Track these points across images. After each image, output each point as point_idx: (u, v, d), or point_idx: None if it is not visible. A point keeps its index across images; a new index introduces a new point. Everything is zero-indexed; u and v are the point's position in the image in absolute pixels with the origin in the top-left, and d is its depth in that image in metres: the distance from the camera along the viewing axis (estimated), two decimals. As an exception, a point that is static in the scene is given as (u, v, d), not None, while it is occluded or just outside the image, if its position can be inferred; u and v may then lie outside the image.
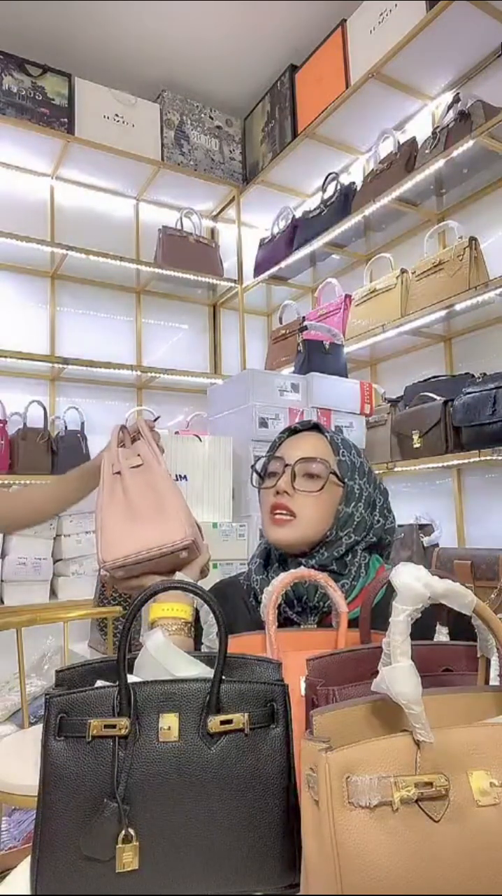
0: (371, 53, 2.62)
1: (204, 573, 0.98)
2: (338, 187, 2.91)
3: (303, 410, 2.26)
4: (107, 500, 0.96)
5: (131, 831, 0.60)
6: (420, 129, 2.79)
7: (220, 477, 2.10)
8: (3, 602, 2.72)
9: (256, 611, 1.00)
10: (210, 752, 0.63)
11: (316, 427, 1.09)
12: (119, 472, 0.98)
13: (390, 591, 0.62)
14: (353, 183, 2.92)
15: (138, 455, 1.00)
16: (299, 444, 1.05)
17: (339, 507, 1.01)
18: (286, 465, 1.03)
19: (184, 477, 2.03)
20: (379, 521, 1.04)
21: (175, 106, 3.40)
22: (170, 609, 0.87)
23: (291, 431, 1.10)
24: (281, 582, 0.85)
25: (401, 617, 0.58)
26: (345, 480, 1.02)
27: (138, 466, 0.99)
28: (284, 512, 1.00)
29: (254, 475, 1.09)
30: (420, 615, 0.59)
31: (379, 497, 1.06)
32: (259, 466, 1.09)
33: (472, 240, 2.26)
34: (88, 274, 3.30)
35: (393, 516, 1.08)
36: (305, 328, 2.57)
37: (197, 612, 0.91)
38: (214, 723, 0.63)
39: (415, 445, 2.32)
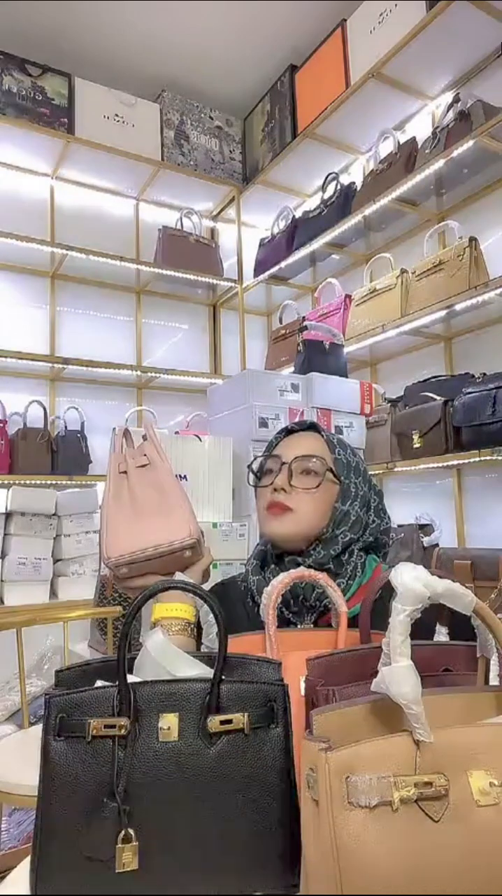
0: (371, 53, 2.62)
1: (205, 576, 0.98)
2: (338, 187, 2.91)
3: (303, 410, 2.26)
4: (113, 498, 0.97)
5: (131, 831, 0.60)
6: (420, 129, 2.79)
7: (220, 477, 2.10)
8: (3, 602, 2.72)
9: (254, 612, 1.00)
10: (210, 752, 0.63)
11: (312, 427, 1.10)
12: (125, 472, 0.99)
13: (389, 591, 0.62)
14: (353, 183, 2.92)
15: (144, 455, 1.00)
16: (295, 443, 1.06)
17: (336, 505, 1.01)
18: (283, 464, 1.03)
19: (185, 477, 2.02)
20: (374, 521, 1.05)
21: (175, 106, 3.40)
22: (173, 609, 0.87)
23: (287, 431, 1.10)
24: (281, 582, 0.85)
25: (401, 617, 0.58)
26: (342, 478, 1.03)
27: (144, 466, 1.00)
28: (281, 507, 1.00)
29: (251, 474, 1.09)
30: (420, 615, 0.59)
31: (373, 497, 1.06)
32: (255, 466, 1.09)
33: (472, 240, 2.26)
34: (88, 274, 3.30)
35: (389, 517, 1.08)
36: (305, 328, 2.57)
37: (196, 612, 0.91)
38: (214, 723, 0.63)
39: (415, 445, 2.32)
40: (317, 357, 2.44)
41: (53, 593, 2.86)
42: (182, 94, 3.43)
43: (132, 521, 0.94)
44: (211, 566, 1.00)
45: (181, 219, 3.36)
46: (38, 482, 2.85)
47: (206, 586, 0.94)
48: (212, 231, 3.78)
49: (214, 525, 2.02)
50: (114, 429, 2.03)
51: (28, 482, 2.82)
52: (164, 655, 0.71)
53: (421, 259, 2.48)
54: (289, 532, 1.00)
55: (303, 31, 3.05)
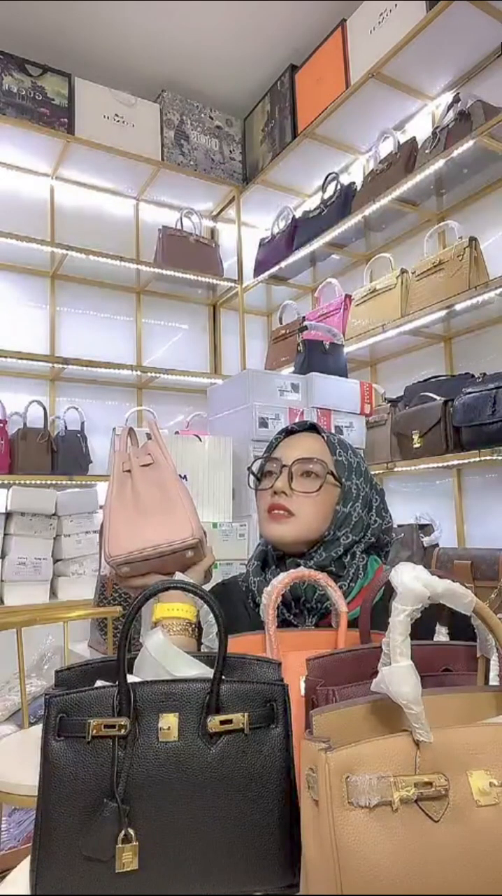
0: (371, 53, 2.62)
1: (207, 576, 0.98)
2: (338, 187, 2.91)
3: (302, 410, 2.26)
4: (116, 496, 0.96)
5: (131, 831, 0.60)
6: (420, 129, 2.79)
7: (220, 477, 2.10)
8: (3, 602, 2.72)
9: (255, 612, 1.00)
10: (210, 752, 0.63)
11: (312, 427, 1.09)
12: (129, 471, 0.99)
13: (389, 591, 0.62)
14: (353, 183, 2.91)
15: (148, 454, 1.00)
16: (296, 445, 1.05)
17: (337, 507, 1.01)
18: (283, 466, 1.02)
19: (185, 477, 2.02)
20: (376, 522, 1.04)
21: (175, 106, 3.40)
22: (174, 609, 0.86)
23: (287, 432, 1.09)
24: (281, 582, 0.85)
25: (401, 617, 0.58)
26: (343, 480, 1.02)
27: (148, 465, 0.99)
28: (282, 511, 1.00)
29: (251, 477, 1.09)
30: (420, 615, 0.59)
31: (375, 497, 1.06)
32: (255, 468, 1.09)
33: (472, 240, 2.25)
34: (88, 274, 3.30)
35: (390, 516, 1.07)
36: (305, 328, 2.57)
37: (197, 612, 0.91)
38: (214, 723, 0.63)
39: (415, 445, 2.32)
40: (317, 357, 2.44)
41: (53, 593, 2.86)
42: (182, 94, 3.43)
43: (134, 520, 0.93)
44: (212, 567, 1.00)
45: (181, 219, 3.36)
46: (38, 482, 2.86)
47: (208, 586, 0.94)
48: (212, 231, 3.78)
49: (214, 525, 2.02)
50: (114, 429, 2.03)
51: (28, 482, 2.82)
52: (164, 655, 0.71)
53: (421, 259, 2.48)
54: (291, 536, 1.00)
55: (303, 31, 3.05)
